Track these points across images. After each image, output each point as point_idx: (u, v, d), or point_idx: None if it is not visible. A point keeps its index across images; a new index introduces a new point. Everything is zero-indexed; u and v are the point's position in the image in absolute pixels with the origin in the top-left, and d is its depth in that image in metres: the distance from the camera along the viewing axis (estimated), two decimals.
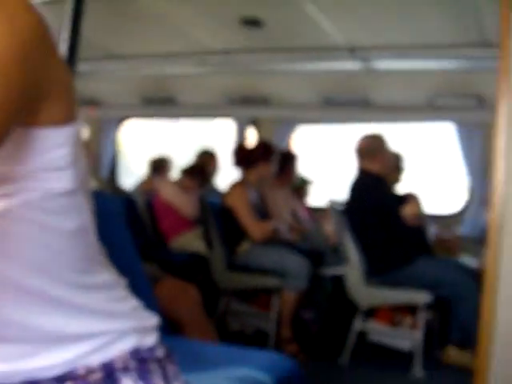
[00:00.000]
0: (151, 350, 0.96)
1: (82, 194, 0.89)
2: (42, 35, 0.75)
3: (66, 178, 0.84)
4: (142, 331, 0.97)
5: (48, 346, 0.88)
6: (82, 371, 0.89)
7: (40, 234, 0.84)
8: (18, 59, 0.71)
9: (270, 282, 4.02)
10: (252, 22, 4.12)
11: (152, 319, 1.02)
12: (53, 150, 0.81)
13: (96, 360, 0.90)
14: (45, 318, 0.87)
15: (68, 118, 0.81)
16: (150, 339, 0.98)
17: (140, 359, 0.94)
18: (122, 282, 1.00)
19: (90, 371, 0.89)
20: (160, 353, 0.98)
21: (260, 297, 4.24)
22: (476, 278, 3.56)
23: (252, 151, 4.41)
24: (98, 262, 0.96)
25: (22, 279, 0.84)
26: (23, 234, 0.83)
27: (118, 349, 0.92)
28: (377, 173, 4.01)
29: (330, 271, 4.22)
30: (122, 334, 0.93)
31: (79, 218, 0.89)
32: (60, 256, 0.87)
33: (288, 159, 5.05)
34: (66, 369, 0.89)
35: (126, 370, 0.91)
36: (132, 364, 0.92)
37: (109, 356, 0.91)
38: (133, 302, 1.00)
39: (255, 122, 6.34)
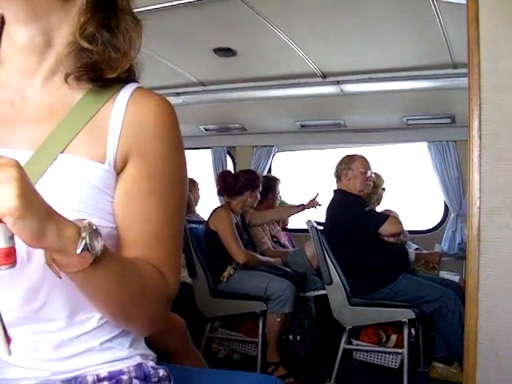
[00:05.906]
0: (154, 368, 1.03)
1: None
2: None
3: None
4: (144, 356, 1.04)
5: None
6: (90, 378, 0.94)
7: None
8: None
9: (255, 306, 4.02)
10: (225, 52, 4.19)
11: (149, 350, 1.09)
12: None
13: (104, 370, 0.96)
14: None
15: None
16: (152, 363, 1.05)
17: (144, 372, 1.00)
18: None
19: (98, 379, 0.95)
20: (162, 372, 1.04)
21: (245, 322, 4.24)
22: (458, 292, 3.61)
23: (238, 179, 4.43)
24: None
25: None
26: None
27: (126, 364, 0.99)
28: (351, 192, 4.06)
29: (314, 293, 4.22)
30: (130, 355, 1.00)
31: None
32: None
33: (270, 184, 5.08)
34: (76, 374, 0.94)
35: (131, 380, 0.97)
36: (136, 374, 0.98)
37: (117, 368, 0.97)
38: None
39: (232, 150, 6.39)
